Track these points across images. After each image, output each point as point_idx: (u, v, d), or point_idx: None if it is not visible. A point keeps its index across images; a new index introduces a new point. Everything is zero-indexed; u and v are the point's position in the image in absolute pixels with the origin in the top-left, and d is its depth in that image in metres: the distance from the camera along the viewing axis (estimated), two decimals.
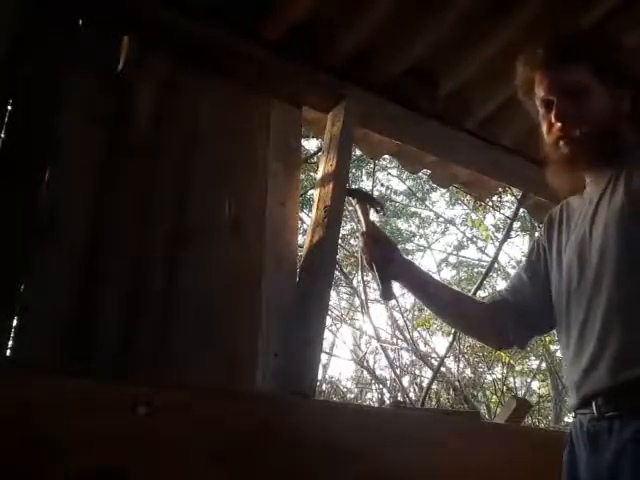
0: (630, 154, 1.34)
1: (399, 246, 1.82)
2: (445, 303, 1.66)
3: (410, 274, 1.71)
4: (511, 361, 8.42)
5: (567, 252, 1.41)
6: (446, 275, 10.18)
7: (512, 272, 10.11)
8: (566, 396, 8.15)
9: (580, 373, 1.28)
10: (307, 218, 7.20)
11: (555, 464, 1.47)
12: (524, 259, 1.69)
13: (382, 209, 1.86)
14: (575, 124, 1.36)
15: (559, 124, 1.37)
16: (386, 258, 1.67)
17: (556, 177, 1.46)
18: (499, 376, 8.60)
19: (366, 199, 1.84)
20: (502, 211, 8.40)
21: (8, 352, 1.58)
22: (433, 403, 7.65)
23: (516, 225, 8.58)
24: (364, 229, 1.73)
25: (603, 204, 1.33)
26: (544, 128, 1.42)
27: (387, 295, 1.72)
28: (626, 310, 1.22)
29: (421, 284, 1.69)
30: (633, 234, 1.25)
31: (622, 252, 1.25)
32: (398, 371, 8.24)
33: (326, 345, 9.04)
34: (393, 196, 9.64)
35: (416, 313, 9.01)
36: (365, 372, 9.05)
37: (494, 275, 9.68)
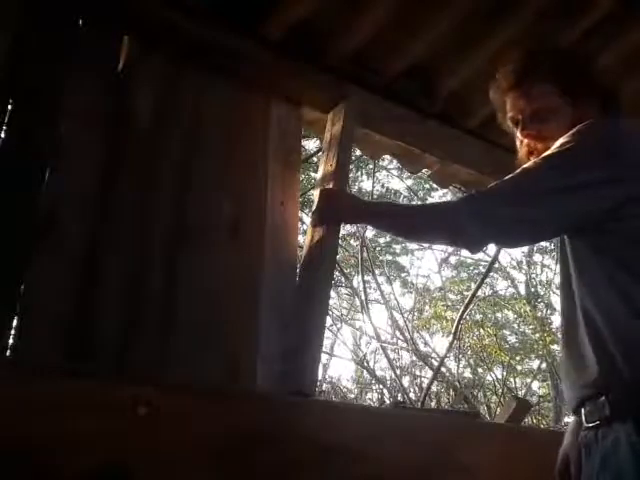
0: None
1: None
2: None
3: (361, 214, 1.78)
4: (511, 361, 8.43)
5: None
6: (446, 275, 10.19)
7: (512, 272, 10.12)
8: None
9: (570, 380, 1.29)
10: (307, 218, 7.20)
11: (554, 464, 1.47)
12: None
13: None
14: (541, 139, 1.45)
15: (526, 140, 1.47)
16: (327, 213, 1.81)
17: None
18: (499, 376, 8.61)
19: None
20: None
21: (8, 352, 1.58)
22: (433, 403, 7.65)
23: None
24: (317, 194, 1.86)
25: None
26: (517, 143, 1.53)
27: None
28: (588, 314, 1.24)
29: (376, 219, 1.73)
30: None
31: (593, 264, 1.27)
32: (398, 371, 8.25)
33: (326, 345, 9.05)
34: (393, 196, 9.65)
35: (416, 314, 9.02)
36: (365, 372, 9.06)
37: (494, 275, 9.68)
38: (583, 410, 1.23)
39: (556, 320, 9.29)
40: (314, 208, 1.92)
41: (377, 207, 1.96)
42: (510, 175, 1.37)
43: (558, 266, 1.43)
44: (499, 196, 1.35)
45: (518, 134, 1.50)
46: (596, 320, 1.21)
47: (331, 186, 2.05)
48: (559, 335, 1.47)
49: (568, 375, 1.29)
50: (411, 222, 1.54)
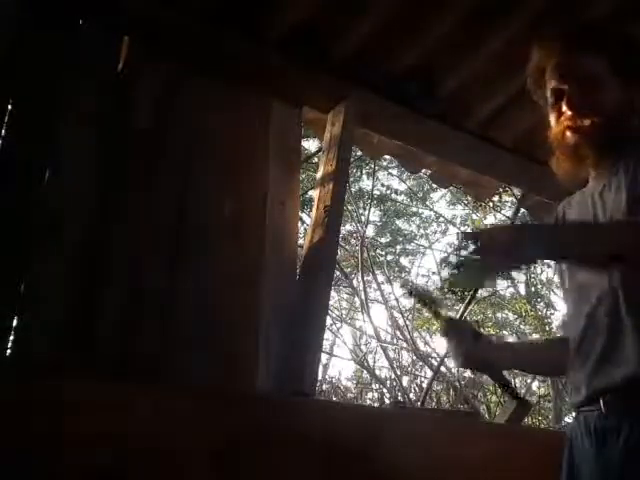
0: (636, 148, 1.33)
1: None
2: (534, 363, 1.61)
3: (500, 356, 1.61)
4: None
5: None
6: (446, 275, 10.15)
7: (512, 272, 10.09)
8: (566, 396, 8.15)
9: (589, 369, 1.27)
10: (307, 218, 7.21)
11: (555, 464, 1.46)
12: None
13: (439, 303, 1.79)
14: (585, 114, 1.34)
15: (569, 113, 1.35)
16: (473, 359, 1.57)
17: (560, 167, 1.44)
18: None
19: (426, 298, 1.77)
20: (502, 211, 8.41)
21: (8, 352, 1.58)
22: (433, 403, 7.65)
23: None
24: (442, 329, 1.64)
25: (605, 198, 1.33)
26: (552, 117, 1.40)
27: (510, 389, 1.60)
28: (634, 307, 1.22)
29: (512, 360, 1.62)
30: None
31: None
32: (398, 371, 8.25)
33: (326, 345, 9.04)
34: (393, 196, 9.65)
35: (416, 314, 9.01)
36: (365, 372, 9.05)
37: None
38: (602, 399, 1.22)
39: (556, 320, 9.29)
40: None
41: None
42: None
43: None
44: None
45: (561, 105, 1.36)
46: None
47: (331, 186, 2.05)
48: (575, 322, 1.40)
49: (587, 363, 1.27)
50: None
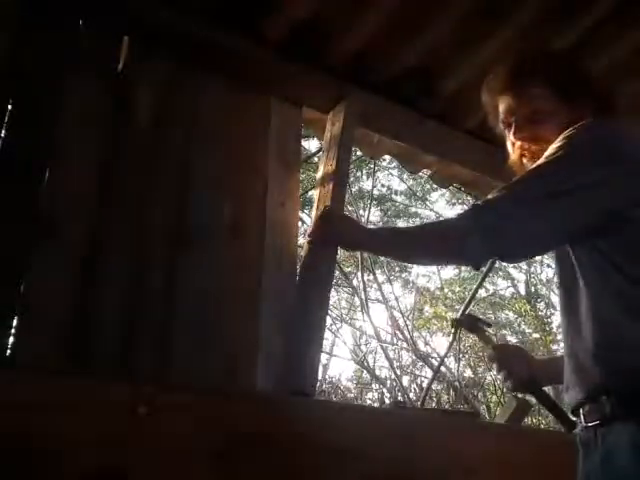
0: None
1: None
2: None
3: (547, 376, 1.67)
4: None
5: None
6: (447, 275, 10.19)
7: (512, 272, 10.11)
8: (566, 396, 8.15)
9: (568, 380, 1.29)
10: (307, 218, 7.21)
11: (555, 464, 1.47)
12: None
13: (489, 325, 1.79)
14: (532, 142, 1.42)
15: (519, 142, 1.44)
16: (526, 381, 1.63)
17: None
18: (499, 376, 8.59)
19: (474, 325, 1.76)
20: None
21: (8, 352, 1.58)
22: (433, 403, 7.65)
23: None
24: (491, 355, 1.68)
25: None
26: (509, 148, 1.49)
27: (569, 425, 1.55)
28: (592, 318, 1.23)
29: (555, 377, 1.63)
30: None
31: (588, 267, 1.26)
32: (398, 371, 8.25)
33: (326, 345, 9.05)
34: (393, 196, 9.66)
35: (416, 313, 9.02)
36: (365, 372, 9.06)
37: (494, 275, 9.68)
38: (582, 410, 1.23)
39: (556, 319, 9.30)
40: (309, 229, 1.89)
41: (376, 231, 1.92)
42: (504, 186, 1.32)
43: (555, 266, 1.42)
44: (504, 208, 1.28)
45: (510, 137, 1.47)
46: (598, 321, 1.20)
47: (331, 186, 2.05)
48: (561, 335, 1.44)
49: (570, 376, 1.29)
50: (411, 242, 1.47)
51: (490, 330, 1.75)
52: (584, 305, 1.23)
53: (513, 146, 1.47)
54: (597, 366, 1.18)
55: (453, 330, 1.82)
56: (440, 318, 8.57)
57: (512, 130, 1.45)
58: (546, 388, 1.72)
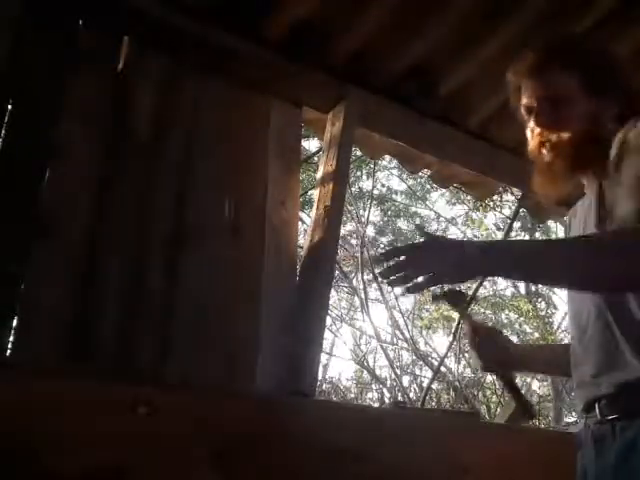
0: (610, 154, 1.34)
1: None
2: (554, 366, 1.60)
3: (523, 363, 1.63)
4: None
5: None
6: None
7: None
8: (566, 396, 8.14)
9: (586, 376, 1.28)
10: (307, 218, 7.20)
11: (555, 464, 1.47)
12: None
13: (468, 301, 1.75)
14: (554, 130, 1.38)
15: (539, 129, 1.39)
16: (492, 363, 1.59)
17: (536, 184, 1.45)
18: None
19: (457, 300, 1.73)
20: (502, 211, 8.41)
21: (8, 352, 1.58)
22: (433, 403, 7.65)
23: (516, 225, 8.59)
24: (469, 331, 1.64)
25: (591, 213, 1.34)
26: (528, 133, 1.45)
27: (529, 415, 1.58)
28: (622, 322, 1.22)
29: (534, 365, 1.64)
30: None
31: None
32: (398, 371, 8.25)
33: (326, 345, 9.04)
34: (393, 196, 9.65)
35: (416, 313, 9.02)
36: (365, 372, 9.05)
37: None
38: (597, 405, 1.22)
39: (556, 319, 9.29)
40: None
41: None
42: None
43: None
44: None
45: (531, 122, 1.42)
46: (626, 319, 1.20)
47: (331, 186, 2.04)
48: (572, 334, 1.41)
49: (584, 373, 1.28)
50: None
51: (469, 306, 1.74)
52: (634, 301, 1.21)
53: (532, 133, 1.42)
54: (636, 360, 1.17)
55: (432, 301, 1.80)
56: (440, 318, 8.56)
57: (533, 115, 1.41)
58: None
